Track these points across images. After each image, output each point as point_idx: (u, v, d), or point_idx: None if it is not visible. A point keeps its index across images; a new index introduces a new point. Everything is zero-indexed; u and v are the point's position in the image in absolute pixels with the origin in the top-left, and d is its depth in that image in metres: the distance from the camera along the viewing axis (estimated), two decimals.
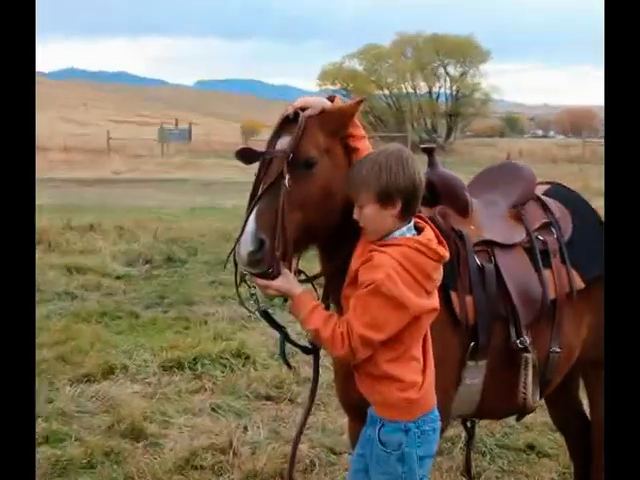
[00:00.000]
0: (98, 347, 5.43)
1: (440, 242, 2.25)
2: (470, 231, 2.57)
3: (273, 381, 4.79)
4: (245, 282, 2.30)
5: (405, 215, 2.22)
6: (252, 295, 2.32)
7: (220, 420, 4.33)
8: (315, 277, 2.42)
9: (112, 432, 4.09)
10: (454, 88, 49.73)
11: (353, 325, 2.14)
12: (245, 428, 4.22)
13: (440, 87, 50.31)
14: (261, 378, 4.84)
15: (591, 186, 15.94)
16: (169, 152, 36.14)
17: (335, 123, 2.27)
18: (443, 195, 2.60)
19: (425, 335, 2.28)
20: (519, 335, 2.56)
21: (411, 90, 50.26)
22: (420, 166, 2.25)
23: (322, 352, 2.49)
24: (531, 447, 4.04)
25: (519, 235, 2.72)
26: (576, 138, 54.02)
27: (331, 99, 2.34)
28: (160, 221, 10.99)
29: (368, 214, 2.20)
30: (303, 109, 2.26)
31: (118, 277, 8.03)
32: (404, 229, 2.23)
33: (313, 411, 4.38)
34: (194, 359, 5.11)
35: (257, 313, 2.40)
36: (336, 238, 2.31)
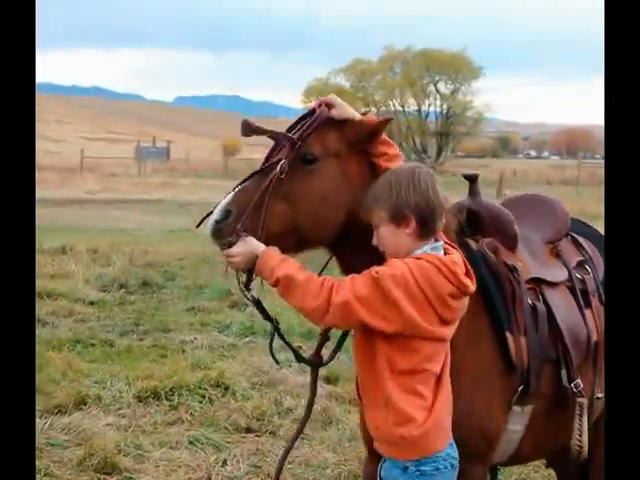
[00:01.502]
0: (70, 377, 5.29)
1: (468, 274, 2.15)
2: (520, 267, 2.46)
3: (254, 413, 4.67)
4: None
5: (422, 234, 2.14)
6: (239, 282, 2.24)
7: (198, 453, 4.20)
8: None
9: (84, 466, 3.95)
10: (445, 106, 49.56)
11: (345, 286, 2.05)
12: (224, 462, 4.10)
13: (430, 105, 50.20)
14: (241, 409, 4.72)
15: (588, 210, 16.01)
16: (146, 171, 35.98)
17: (353, 133, 2.21)
18: (490, 227, 2.48)
19: (441, 375, 2.15)
20: (571, 379, 2.44)
21: (399, 108, 50.00)
22: (439, 184, 2.18)
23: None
24: None
25: (562, 273, 2.61)
26: (572, 159, 54.00)
27: (363, 114, 2.28)
28: (136, 244, 10.88)
29: (383, 235, 2.15)
30: (329, 106, 2.21)
31: (91, 303, 7.86)
32: (426, 248, 2.15)
33: (295, 445, 4.26)
34: (171, 389, 4.98)
35: (249, 301, 2.31)
36: (359, 263, 2.19)
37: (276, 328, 2.36)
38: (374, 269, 2.07)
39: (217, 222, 2.14)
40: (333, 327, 2.24)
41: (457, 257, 2.15)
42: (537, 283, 2.51)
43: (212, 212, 2.17)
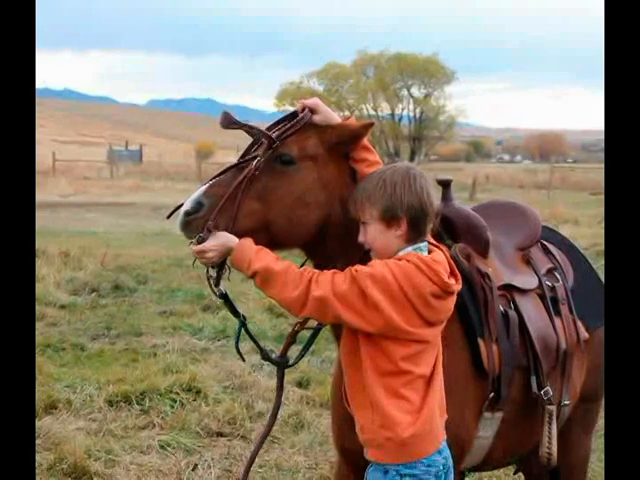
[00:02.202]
0: (40, 380, 5.21)
1: (453, 273, 2.13)
2: (492, 273, 2.45)
3: (225, 416, 4.66)
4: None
5: (412, 237, 2.12)
6: (208, 279, 2.20)
7: (169, 458, 4.19)
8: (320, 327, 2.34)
9: (54, 471, 3.92)
10: (418, 110, 49.66)
11: (326, 281, 2.03)
12: (195, 466, 4.09)
13: (403, 109, 50.12)
14: (212, 413, 4.71)
15: (559, 213, 16.19)
16: (118, 174, 35.65)
17: (335, 137, 2.19)
18: (463, 233, 2.47)
19: (432, 379, 2.13)
20: (540, 386, 2.45)
21: (373, 112, 49.69)
22: (432, 186, 2.17)
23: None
24: None
25: (533, 280, 2.62)
26: (544, 163, 54.10)
27: (345, 119, 2.28)
28: (108, 247, 10.75)
29: (372, 233, 2.12)
30: (313, 110, 2.20)
31: (62, 306, 7.78)
32: (408, 248, 2.12)
33: (266, 448, 4.28)
34: (142, 393, 4.96)
35: (216, 296, 2.26)
36: (333, 266, 2.17)
37: (243, 324, 2.33)
38: (355, 267, 2.06)
39: (188, 214, 2.09)
40: (312, 318, 2.22)
41: (439, 256, 2.12)
42: (508, 290, 2.51)
43: (183, 204, 2.13)
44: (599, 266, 2.90)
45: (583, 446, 2.92)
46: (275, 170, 2.15)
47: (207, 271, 2.20)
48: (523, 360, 2.45)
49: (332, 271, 2.08)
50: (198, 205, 2.09)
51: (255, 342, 2.38)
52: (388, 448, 2.10)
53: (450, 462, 2.18)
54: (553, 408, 2.46)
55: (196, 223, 2.09)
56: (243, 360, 2.55)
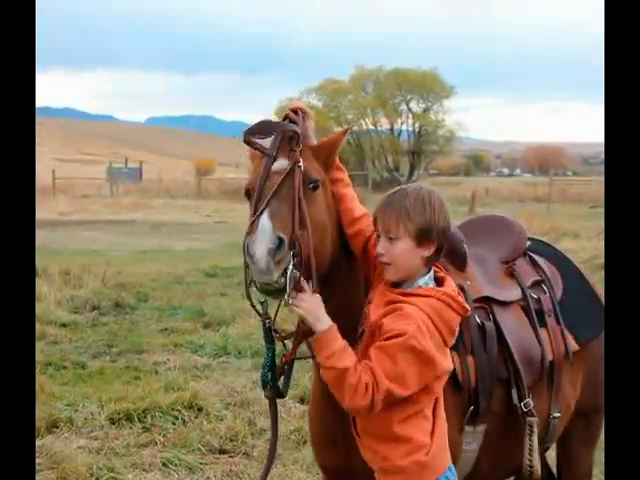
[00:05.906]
0: (42, 399, 5.21)
1: (459, 294, 2.13)
2: (468, 286, 2.46)
3: (227, 434, 4.65)
4: (255, 285, 2.03)
5: (432, 260, 2.11)
6: (262, 303, 2.11)
7: (171, 475, 4.18)
8: (303, 339, 2.26)
9: None
10: (417, 125, 49.70)
11: (380, 378, 1.97)
12: None
13: (402, 123, 50.01)
14: (214, 430, 4.70)
15: (559, 226, 16.23)
16: (118, 192, 35.68)
17: (324, 154, 2.19)
18: None
19: (437, 397, 2.15)
20: (521, 398, 2.45)
21: (372, 127, 49.82)
22: None
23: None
24: None
25: (515, 292, 2.63)
26: (543, 176, 53.95)
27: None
28: (108, 265, 10.77)
29: (400, 249, 2.06)
30: (305, 116, 2.19)
31: (63, 325, 7.80)
32: (426, 278, 2.11)
33: None
34: (144, 411, 4.95)
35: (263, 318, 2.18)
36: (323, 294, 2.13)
37: (272, 352, 2.23)
38: (392, 331, 1.99)
39: (274, 250, 1.92)
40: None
41: (453, 284, 2.13)
42: (488, 302, 2.52)
43: (252, 281, 2.02)
44: (599, 279, 2.91)
45: (585, 460, 2.92)
46: (308, 196, 2.08)
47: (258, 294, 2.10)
48: (503, 372, 2.45)
49: (376, 361, 1.99)
50: (279, 239, 1.94)
51: (273, 375, 2.24)
52: (411, 471, 2.07)
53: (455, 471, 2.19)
54: (534, 420, 2.45)
55: (285, 259, 1.95)
56: (283, 397, 2.35)
